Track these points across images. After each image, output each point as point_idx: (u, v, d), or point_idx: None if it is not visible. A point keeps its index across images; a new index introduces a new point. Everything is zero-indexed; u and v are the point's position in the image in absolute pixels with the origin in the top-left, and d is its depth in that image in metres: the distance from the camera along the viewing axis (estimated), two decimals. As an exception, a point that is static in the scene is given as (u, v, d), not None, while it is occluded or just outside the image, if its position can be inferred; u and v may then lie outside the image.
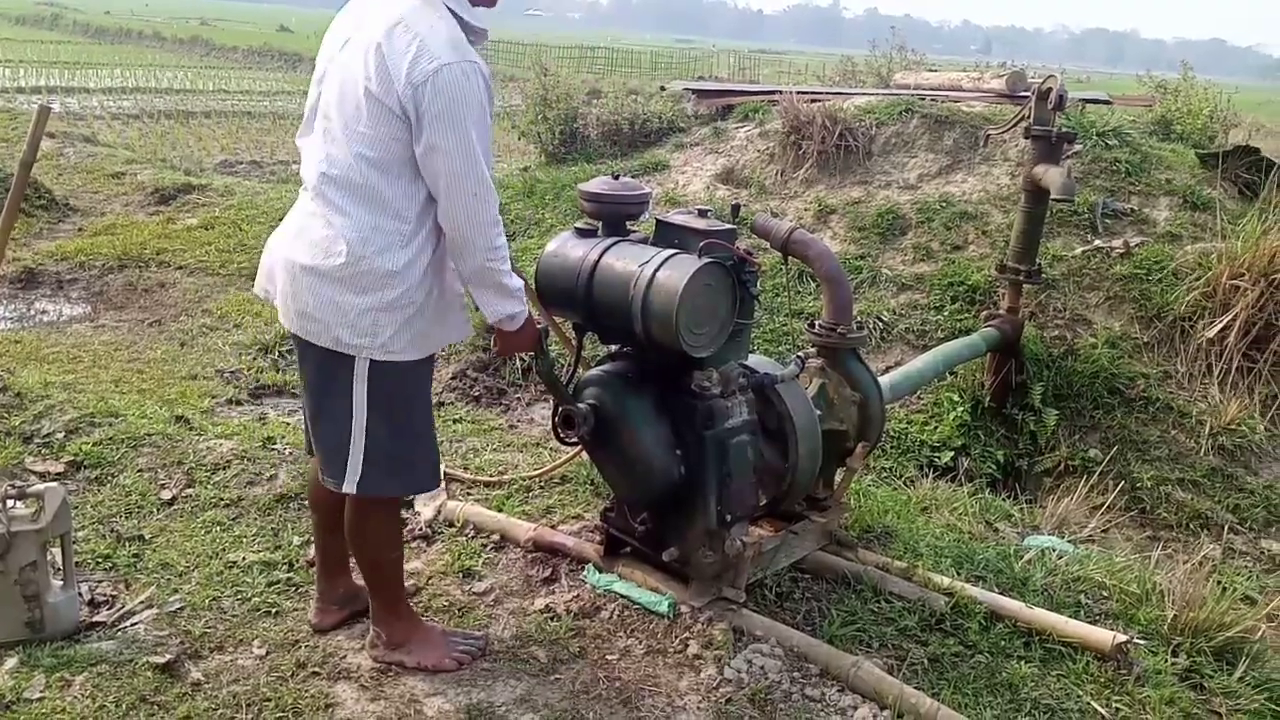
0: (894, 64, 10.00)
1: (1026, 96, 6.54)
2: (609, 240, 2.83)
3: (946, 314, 5.42)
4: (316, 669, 2.72)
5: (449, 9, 2.36)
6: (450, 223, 2.35)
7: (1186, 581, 3.36)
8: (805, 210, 6.32)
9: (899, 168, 6.45)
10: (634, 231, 2.99)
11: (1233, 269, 5.05)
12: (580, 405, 2.85)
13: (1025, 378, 5.02)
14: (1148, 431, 4.90)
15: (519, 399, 5.20)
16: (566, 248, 2.86)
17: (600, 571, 3.14)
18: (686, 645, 2.85)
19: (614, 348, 3.08)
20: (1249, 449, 4.84)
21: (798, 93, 7.13)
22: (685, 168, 7.06)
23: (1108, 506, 4.58)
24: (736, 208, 3.08)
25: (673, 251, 2.71)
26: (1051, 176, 4.52)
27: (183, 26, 41.03)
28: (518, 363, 5.24)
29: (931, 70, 8.69)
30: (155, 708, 2.53)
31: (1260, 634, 3.33)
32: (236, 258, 7.29)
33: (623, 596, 3.04)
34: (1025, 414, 4.98)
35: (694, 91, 8.04)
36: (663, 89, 8.45)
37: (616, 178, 2.99)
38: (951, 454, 4.80)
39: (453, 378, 5.19)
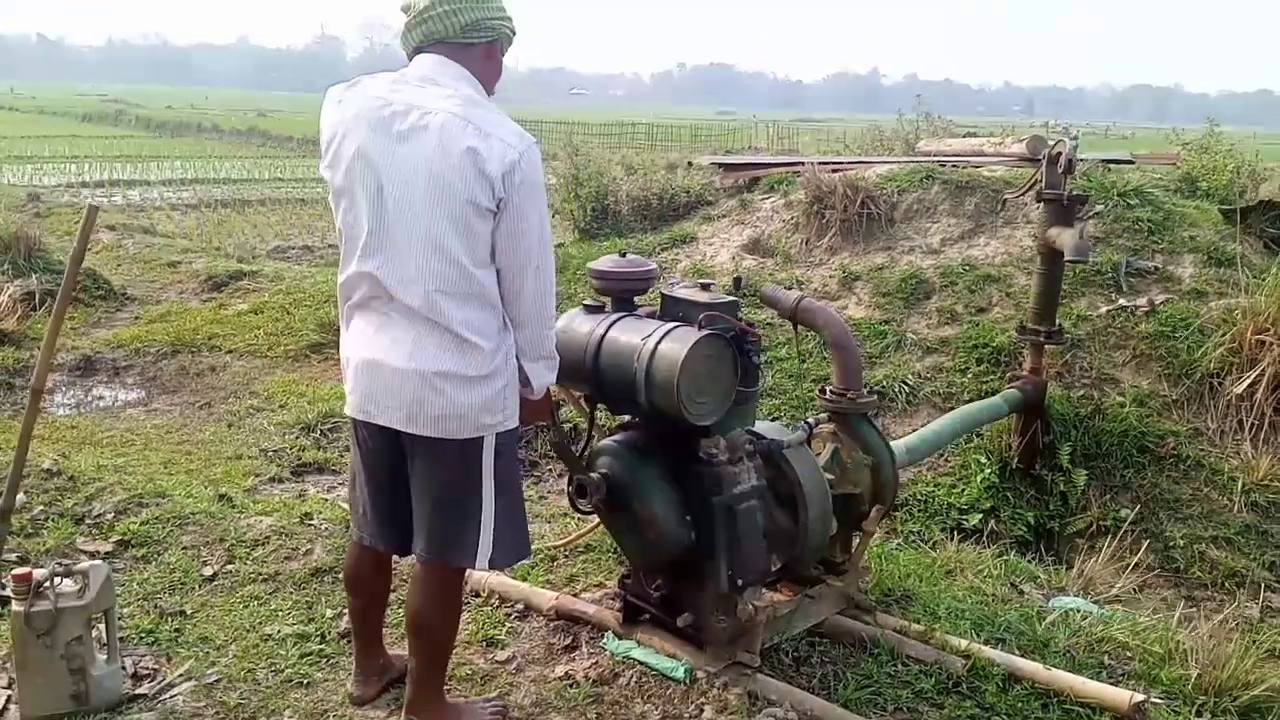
0: (921, 130, 10.15)
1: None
2: (615, 315, 2.97)
3: (971, 376, 5.47)
4: (344, 738, 2.82)
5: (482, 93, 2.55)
6: (519, 296, 2.50)
7: (1210, 640, 3.35)
8: (830, 277, 6.44)
9: (921, 233, 6.56)
10: (641, 307, 3.13)
11: (1257, 324, 5.06)
12: (592, 474, 2.97)
13: (1053, 438, 5.03)
14: (1179, 490, 4.88)
15: (550, 470, 5.32)
16: (575, 324, 3.00)
17: (619, 638, 3.22)
18: (702, 711, 2.90)
19: (625, 418, 3.19)
20: (1284, 505, 4.79)
21: (819, 163, 7.30)
22: (713, 239, 7.24)
23: (1141, 566, 4.56)
24: (739, 280, 3.20)
25: (674, 325, 2.84)
26: (1064, 239, 4.59)
27: (240, 118, 42.66)
28: (550, 435, 5.36)
29: (954, 137, 8.83)
30: (189, 776, 2.64)
31: (1289, 692, 3.30)
32: (284, 340, 7.56)
33: (640, 663, 3.10)
34: (1054, 474, 4.98)
35: (720, 165, 8.26)
36: (689, 164, 8.69)
37: (624, 255, 3.14)
38: (980, 516, 4.81)
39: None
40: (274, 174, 22.95)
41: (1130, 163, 7.44)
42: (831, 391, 3.53)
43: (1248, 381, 5.04)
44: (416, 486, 2.63)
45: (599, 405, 3.12)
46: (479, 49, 2.57)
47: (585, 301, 3.12)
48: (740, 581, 2.94)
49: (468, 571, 3.69)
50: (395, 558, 2.91)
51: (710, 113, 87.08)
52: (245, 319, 8.15)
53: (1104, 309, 5.68)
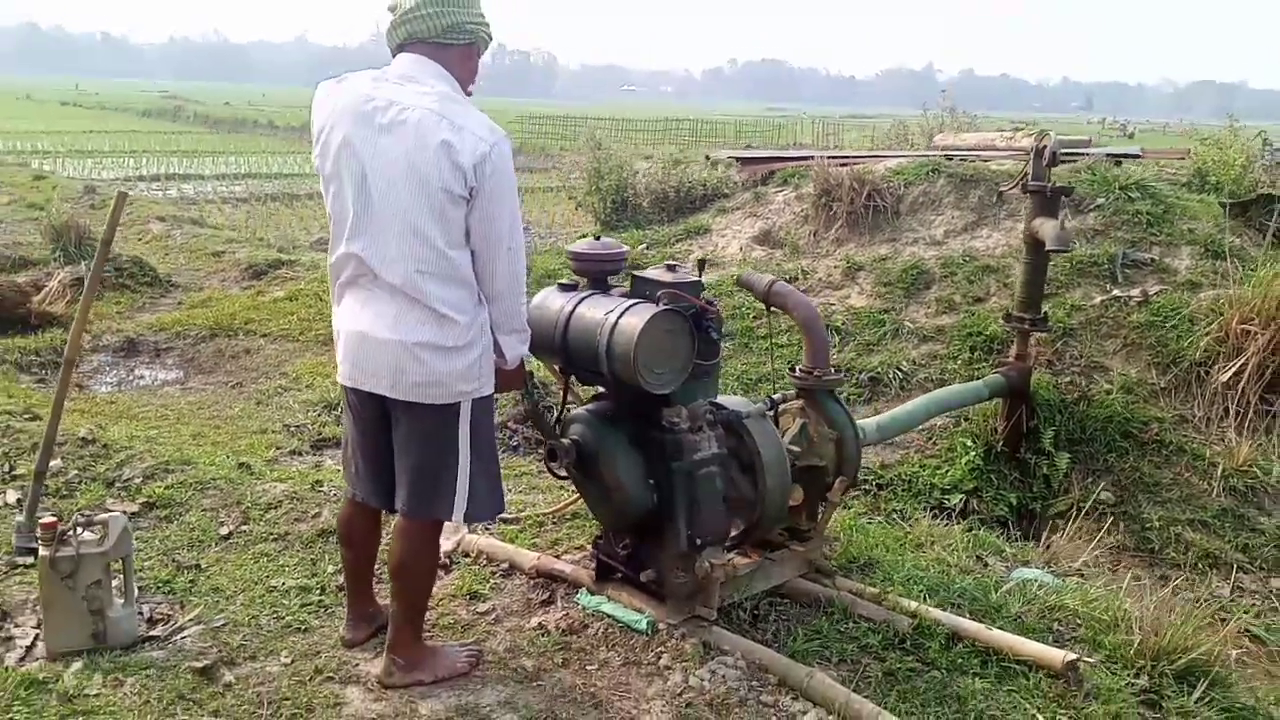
0: (946, 125, 10.26)
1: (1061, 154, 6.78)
2: (584, 293, 3.22)
3: (961, 363, 5.64)
4: (331, 675, 3.10)
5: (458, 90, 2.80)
6: (493, 275, 2.76)
7: (1154, 609, 3.51)
8: (834, 268, 6.63)
9: (926, 225, 6.72)
10: (615, 286, 3.37)
11: (1243, 314, 5.16)
12: (563, 440, 3.22)
13: (1037, 423, 5.18)
14: (1160, 474, 5.01)
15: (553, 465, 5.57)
16: (548, 300, 3.26)
17: (591, 594, 3.47)
18: (660, 658, 3.14)
19: (599, 390, 3.44)
20: (1262, 490, 4.90)
21: (829, 158, 7.48)
22: (725, 231, 7.45)
23: (1117, 546, 4.72)
24: (702, 263, 3.43)
25: (635, 301, 3.08)
26: (1046, 229, 4.75)
27: (295, 115, 43.47)
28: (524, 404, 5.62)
29: (969, 131, 8.94)
30: (191, 704, 2.94)
31: (1228, 659, 3.46)
32: (315, 325, 7.90)
33: (608, 616, 3.35)
34: (1038, 458, 5.14)
35: (737, 159, 8.47)
36: (707, 158, 8.90)
37: (598, 239, 3.38)
38: (962, 497, 4.98)
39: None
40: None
41: (1139, 157, 7.51)
42: (800, 370, 3.74)
43: (1233, 370, 5.15)
44: (399, 447, 2.90)
45: (570, 377, 3.38)
46: (457, 50, 2.83)
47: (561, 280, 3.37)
48: (699, 541, 3.18)
49: (461, 534, 4.00)
50: (384, 514, 3.18)
51: (760, 109, 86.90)
52: (281, 305, 8.52)
53: (1098, 299, 5.81)
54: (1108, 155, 7.25)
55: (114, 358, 7.38)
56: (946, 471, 5.10)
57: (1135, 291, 5.77)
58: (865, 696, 2.93)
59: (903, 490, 5.04)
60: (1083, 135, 8.28)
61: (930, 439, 5.35)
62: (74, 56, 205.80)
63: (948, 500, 4.96)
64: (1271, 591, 4.52)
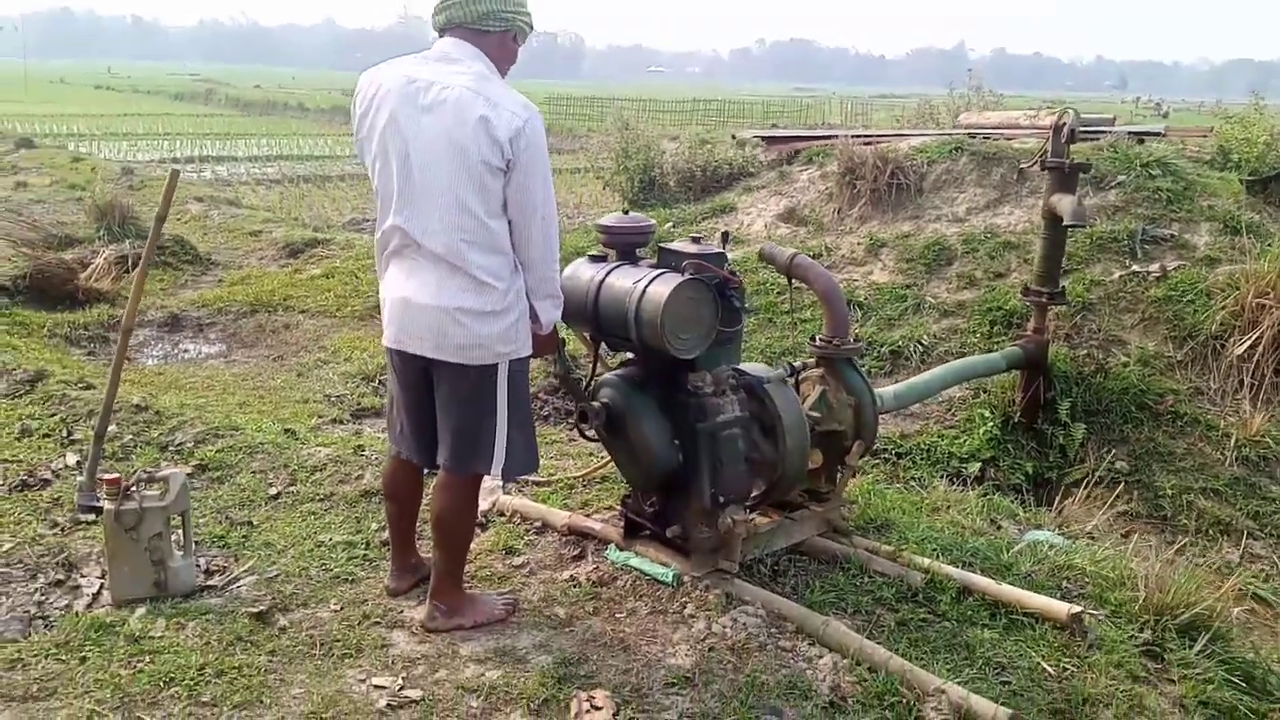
0: (972, 104, 10.32)
1: (1082, 132, 6.88)
2: (614, 264, 3.40)
3: (980, 337, 5.77)
4: (378, 620, 3.32)
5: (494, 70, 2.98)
6: (529, 242, 2.94)
7: (1159, 567, 3.66)
8: (858, 244, 6.77)
9: (948, 202, 6.84)
10: (643, 258, 3.55)
11: (1258, 288, 5.27)
12: (594, 403, 3.41)
13: (1054, 394, 5.32)
14: (1174, 444, 5.13)
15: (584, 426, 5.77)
16: (579, 271, 3.44)
17: (620, 550, 3.66)
18: (685, 607, 3.34)
19: (628, 356, 3.62)
20: (1274, 460, 5.02)
21: (854, 136, 7.60)
22: (751, 209, 7.60)
23: (1131, 514, 4.86)
24: (726, 235, 3.60)
25: (662, 270, 3.26)
26: (1064, 204, 4.87)
27: (325, 97, 43.87)
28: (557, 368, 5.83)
29: (990, 109, 9.02)
30: (250, 645, 3.16)
31: (1230, 615, 3.61)
32: (352, 301, 8.15)
33: (636, 569, 3.55)
34: (1055, 428, 5.27)
35: (763, 138, 8.59)
36: (733, 137, 9.03)
37: (626, 213, 3.56)
38: (979, 465, 5.13)
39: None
40: (353, 151, 23.63)
41: (1161, 135, 7.57)
42: (820, 339, 3.91)
43: (1248, 343, 5.25)
44: (441, 406, 3.10)
45: (600, 344, 3.56)
46: (494, 36, 3.00)
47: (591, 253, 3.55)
48: (722, 499, 3.36)
49: (496, 495, 4.20)
50: (426, 472, 3.38)
51: (788, 90, 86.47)
52: (318, 282, 8.77)
53: (1117, 274, 5.92)
54: (1129, 133, 7.32)
55: (159, 332, 7.66)
56: (965, 441, 5.25)
57: (1154, 267, 5.88)
58: (878, 644, 3.11)
59: (921, 459, 5.19)
60: (1109, 114, 8.33)
61: (950, 410, 5.49)
62: (105, 40, 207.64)
63: (965, 469, 5.10)
64: (1281, 557, 4.64)
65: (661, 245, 3.49)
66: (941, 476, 5.05)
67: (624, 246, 3.50)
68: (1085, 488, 4.79)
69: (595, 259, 3.49)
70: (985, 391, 5.46)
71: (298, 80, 69.91)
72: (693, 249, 3.38)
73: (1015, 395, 5.37)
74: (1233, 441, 5.05)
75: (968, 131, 7.72)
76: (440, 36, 3.04)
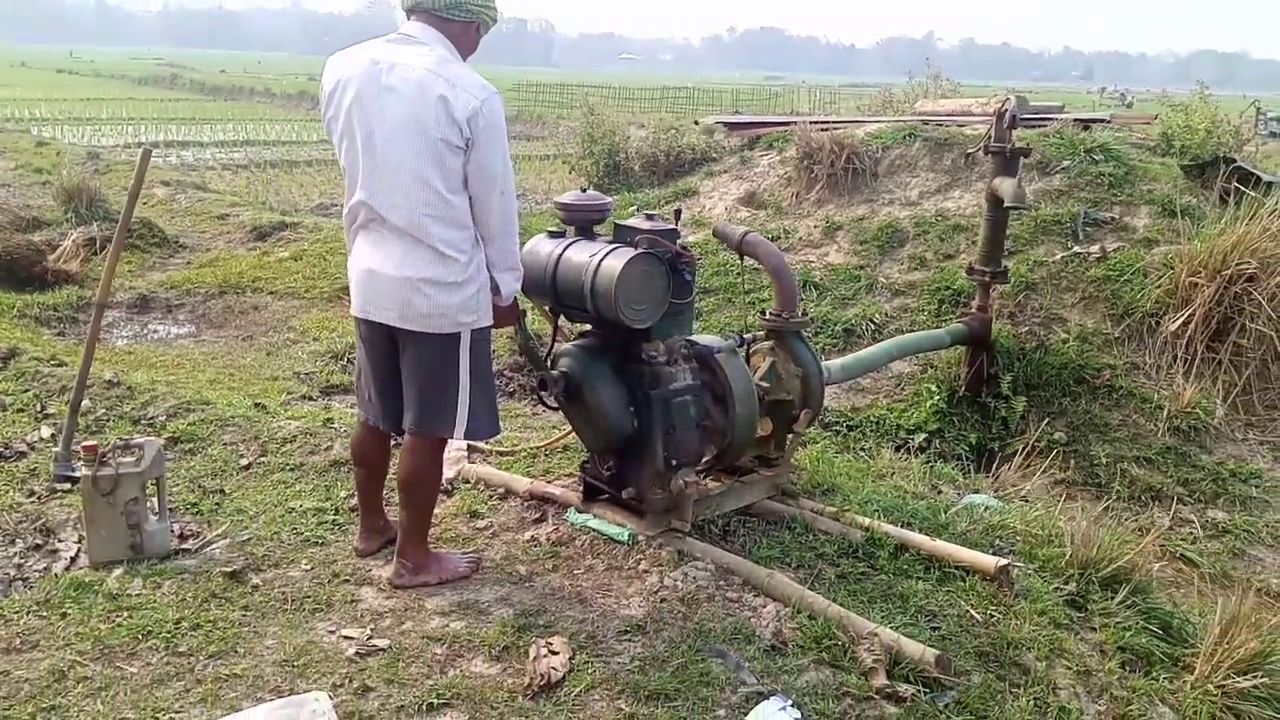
0: (930, 92, 10.57)
1: (1029, 119, 7.13)
2: (571, 239, 3.58)
3: (929, 315, 6.01)
4: (347, 578, 3.49)
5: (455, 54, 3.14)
6: (489, 217, 3.10)
7: (1085, 526, 3.91)
8: (815, 227, 6.99)
9: (902, 187, 7.07)
10: (600, 235, 3.73)
11: (1191, 267, 5.53)
12: (553, 372, 3.59)
13: (997, 369, 5.56)
14: (1109, 415, 5.39)
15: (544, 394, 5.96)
16: (538, 246, 3.62)
17: (579, 512, 3.85)
18: (639, 564, 3.53)
19: (586, 328, 3.80)
20: (1205, 430, 5.29)
21: (812, 122, 7.81)
22: (713, 193, 7.80)
23: (1067, 481, 5.11)
24: (678, 212, 3.79)
25: (616, 245, 3.44)
26: (1005, 187, 5.10)
27: (292, 82, 43.52)
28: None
29: (946, 98, 9.27)
30: (224, 601, 3.32)
31: (1150, 569, 3.87)
32: (320, 283, 8.26)
33: (594, 530, 3.74)
34: (997, 402, 5.52)
35: (726, 124, 8.78)
36: (696, 123, 9.22)
37: (584, 191, 3.73)
38: (925, 436, 5.37)
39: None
40: (321, 136, 23.61)
41: (1107, 122, 7.84)
42: (770, 313, 4.11)
43: (1181, 319, 5.52)
44: (406, 372, 3.26)
45: (560, 316, 3.74)
46: (457, 25, 3.16)
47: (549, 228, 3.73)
48: (674, 462, 3.56)
49: (462, 464, 4.38)
50: (394, 438, 3.55)
51: (759, 78, 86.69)
52: (286, 265, 8.87)
53: (1059, 255, 6.17)
54: (1075, 120, 7.58)
55: (128, 313, 7.74)
56: (912, 414, 5.49)
57: (1094, 248, 6.13)
58: (818, 594, 3.32)
59: (871, 431, 5.42)
60: (1060, 103, 8.60)
61: (899, 385, 5.73)
62: (66, 24, 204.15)
63: (912, 439, 5.34)
64: (1208, 521, 4.91)
65: (617, 222, 3.66)
66: (890, 447, 5.27)
67: (582, 223, 3.68)
68: (1023, 456, 5.03)
69: (554, 234, 3.66)
70: (932, 367, 5.69)
71: (264, 65, 69.21)
72: (646, 225, 3.56)
73: (961, 370, 5.61)
74: (1165, 413, 5.31)
75: (921, 118, 7.95)
76: (407, 19, 3.20)
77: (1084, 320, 5.86)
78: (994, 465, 5.30)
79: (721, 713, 2.81)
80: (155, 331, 7.45)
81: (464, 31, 3.19)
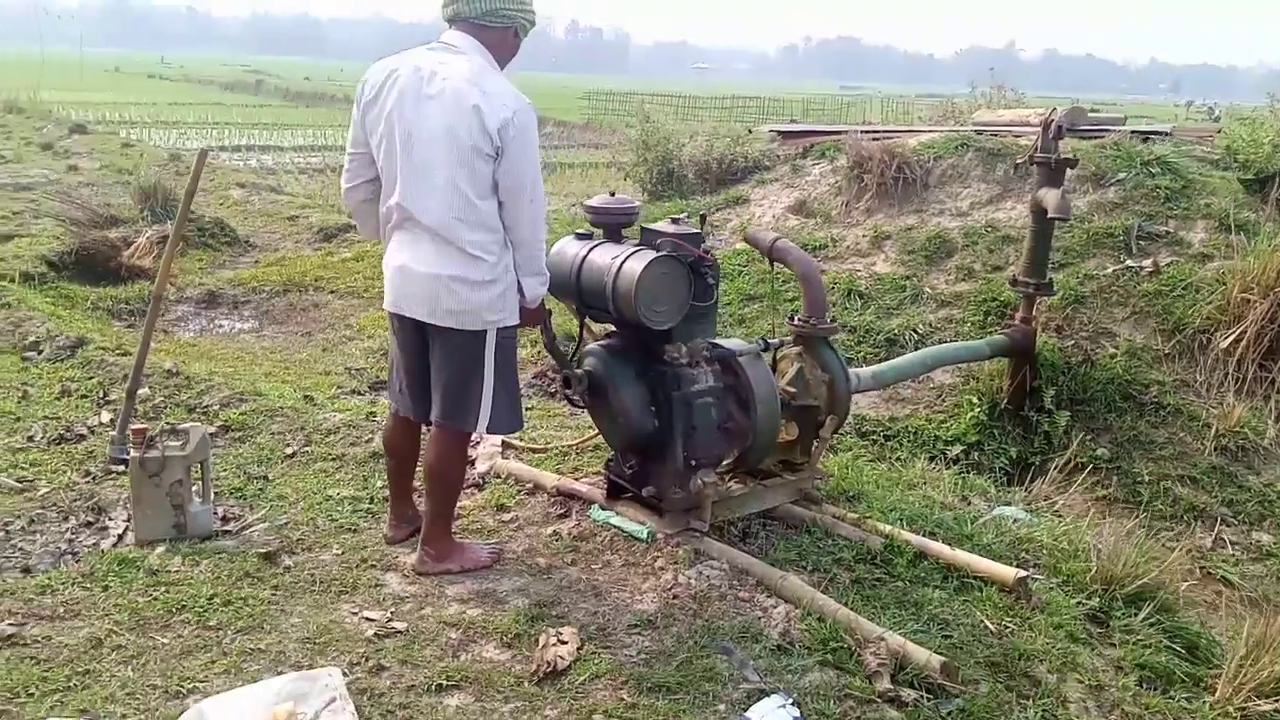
0: (993, 103, 10.46)
1: (1086, 131, 7.04)
2: (596, 241, 3.66)
3: (973, 326, 5.96)
4: (374, 564, 3.62)
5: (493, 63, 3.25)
6: (518, 222, 3.21)
7: (1112, 541, 3.86)
8: (863, 237, 6.97)
9: (952, 197, 7.02)
10: (628, 238, 3.80)
11: (1244, 283, 5.41)
12: (577, 371, 3.68)
13: (1040, 383, 5.50)
14: (1156, 433, 5.30)
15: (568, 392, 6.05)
16: (565, 247, 3.71)
17: (602, 509, 3.93)
18: (656, 561, 3.59)
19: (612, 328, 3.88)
20: (1253, 450, 5.17)
21: (861, 131, 7.80)
22: (763, 201, 7.83)
23: (1108, 499, 5.04)
24: (704, 216, 3.85)
25: (639, 247, 3.52)
26: (1049, 198, 5.06)
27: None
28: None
29: (1009, 108, 9.16)
30: (256, 580, 3.47)
31: (1178, 588, 3.81)
32: (378, 283, 8.29)
33: (615, 527, 3.81)
34: (1040, 416, 5.45)
35: (779, 133, 8.81)
36: (749, 131, 9.26)
37: (613, 194, 3.82)
38: (963, 448, 5.33)
39: (534, 377, 6.10)
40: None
41: (1167, 134, 7.68)
42: (799, 319, 4.15)
43: (1233, 337, 5.40)
44: (434, 367, 3.38)
45: (586, 316, 3.83)
46: (495, 32, 3.28)
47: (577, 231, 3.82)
48: (694, 462, 3.61)
49: (495, 459, 4.49)
50: (424, 428, 3.66)
51: (833, 88, 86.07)
52: (348, 265, 9.12)
53: (1111, 269, 6.07)
54: (1133, 132, 7.45)
55: (196, 308, 8.04)
56: (951, 425, 5.45)
57: (1147, 262, 6.02)
58: (830, 597, 3.34)
59: (908, 441, 5.40)
60: (1117, 114, 8.45)
61: (939, 396, 5.69)
62: (159, 30, 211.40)
63: (949, 451, 5.30)
64: (1252, 544, 4.80)
65: (643, 226, 3.74)
66: (925, 457, 5.25)
67: (610, 226, 3.76)
68: (1059, 470, 4.96)
69: (581, 236, 3.75)
70: (974, 379, 5.65)
71: (346, 73, 70.83)
72: (671, 229, 3.63)
73: (1003, 383, 5.56)
74: (1213, 432, 5.20)
75: (976, 129, 7.88)
76: (449, 28, 3.32)
77: (1133, 335, 5.76)
78: (1032, 480, 5.24)
79: (722, 708, 2.85)
80: (220, 326, 7.73)
81: (501, 38, 3.29)
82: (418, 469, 3.81)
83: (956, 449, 5.31)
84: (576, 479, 4.26)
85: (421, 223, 3.22)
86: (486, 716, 2.79)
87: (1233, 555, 4.77)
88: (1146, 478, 5.11)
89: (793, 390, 4.05)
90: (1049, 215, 5.04)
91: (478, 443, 4.56)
